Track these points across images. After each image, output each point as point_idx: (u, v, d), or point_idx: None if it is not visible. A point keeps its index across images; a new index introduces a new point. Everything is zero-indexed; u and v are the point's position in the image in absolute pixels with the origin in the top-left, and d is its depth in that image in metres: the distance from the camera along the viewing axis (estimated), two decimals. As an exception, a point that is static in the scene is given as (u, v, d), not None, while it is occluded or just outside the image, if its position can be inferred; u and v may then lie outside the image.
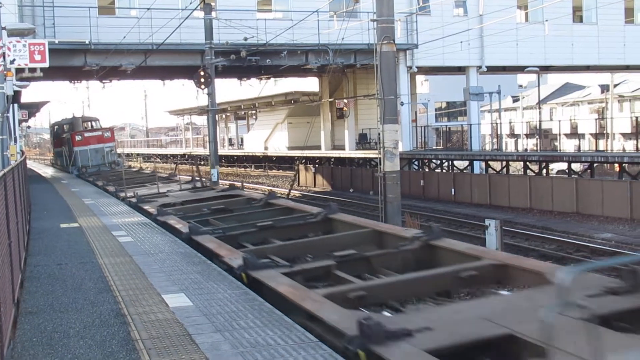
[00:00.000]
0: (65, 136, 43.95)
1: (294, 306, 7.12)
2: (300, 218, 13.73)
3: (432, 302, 8.08)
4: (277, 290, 7.67)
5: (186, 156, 66.73)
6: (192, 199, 19.23)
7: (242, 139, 68.60)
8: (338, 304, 6.82)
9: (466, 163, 36.68)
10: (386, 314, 7.35)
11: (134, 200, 19.36)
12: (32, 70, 20.07)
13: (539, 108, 44.74)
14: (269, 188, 41.66)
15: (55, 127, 49.92)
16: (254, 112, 64.90)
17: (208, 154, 31.71)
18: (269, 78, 42.57)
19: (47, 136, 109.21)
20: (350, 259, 9.51)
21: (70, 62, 31.24)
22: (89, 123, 44.05)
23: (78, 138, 40.47)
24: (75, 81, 38.80)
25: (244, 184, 35.38)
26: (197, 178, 26.73)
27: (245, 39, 31.14)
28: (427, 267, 9.00)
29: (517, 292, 7.98)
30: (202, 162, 49.83)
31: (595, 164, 30.49)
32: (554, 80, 76.81)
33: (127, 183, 23.18)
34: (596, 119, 54.52)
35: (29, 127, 70.16)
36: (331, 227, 13.20)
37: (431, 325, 5.90)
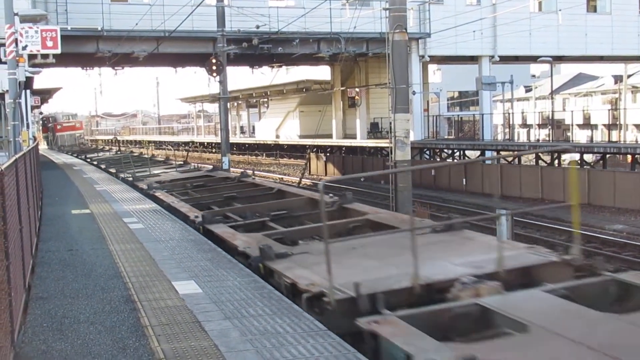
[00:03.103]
0: (50, 125, 70.66)
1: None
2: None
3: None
4: (216, 232, 11.13)
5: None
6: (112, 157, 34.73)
7: (253, 127, 68.64)
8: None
9: (478, 153, 36.51)
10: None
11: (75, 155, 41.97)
12: (45, 56, 20.17)
13: (552, 98, 44.42)
14: (280, 176, 41.74)
15: (43, 119, 74.44)
16: (265, 100, 64.80)
17: (219, 141, 32.00)
18: (280, 66, 42.59)
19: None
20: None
21: (82, 49, 31.31)
22: (67, 117, 70.24)
23: (59, 127, 67.97)
24: (88, 68, 38.99)
25: (255, 172, 35.57)
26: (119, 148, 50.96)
27: (258, 26, 31.07)
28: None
29: None
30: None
31: (607, 155, 30.29)
32: (567, 71, 76.24)
33: (83, 152, 48.73)
34: (609, 110, 54.11)
35: (41, 113, 70.72)
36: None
37: (307, 251, 9.08)
